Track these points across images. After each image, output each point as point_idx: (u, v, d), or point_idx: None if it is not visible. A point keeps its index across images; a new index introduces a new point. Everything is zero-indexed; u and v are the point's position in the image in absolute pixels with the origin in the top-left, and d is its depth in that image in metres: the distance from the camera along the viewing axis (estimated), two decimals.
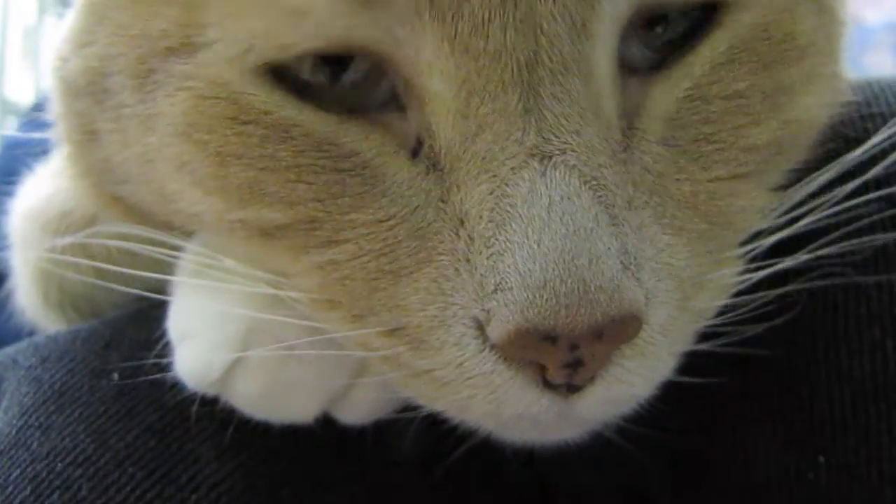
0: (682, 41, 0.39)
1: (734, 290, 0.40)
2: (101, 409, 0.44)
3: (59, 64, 0.45)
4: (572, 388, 0.36)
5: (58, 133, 0.48)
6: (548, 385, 0.36)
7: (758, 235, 0.41)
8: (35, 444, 0.43)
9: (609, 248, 0.34)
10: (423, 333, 0.37)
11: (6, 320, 0.58)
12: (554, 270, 0.34)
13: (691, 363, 0.40)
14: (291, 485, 0.44)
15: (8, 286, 0.58)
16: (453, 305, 0.36)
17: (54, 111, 0.47)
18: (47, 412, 0.45)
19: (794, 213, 0.41)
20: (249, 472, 0.43)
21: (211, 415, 0.43)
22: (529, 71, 0.35)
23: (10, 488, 0.42)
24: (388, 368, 0.39)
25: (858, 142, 0.44)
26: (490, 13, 0.35)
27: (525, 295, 0.34)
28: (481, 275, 0.35)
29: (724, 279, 0.40)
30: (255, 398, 0.42)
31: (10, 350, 0.50)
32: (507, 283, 0.34)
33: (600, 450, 0.42)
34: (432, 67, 0.36)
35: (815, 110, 0.43)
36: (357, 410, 0.44)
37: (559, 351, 0.34)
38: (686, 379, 0.40)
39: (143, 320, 0.47)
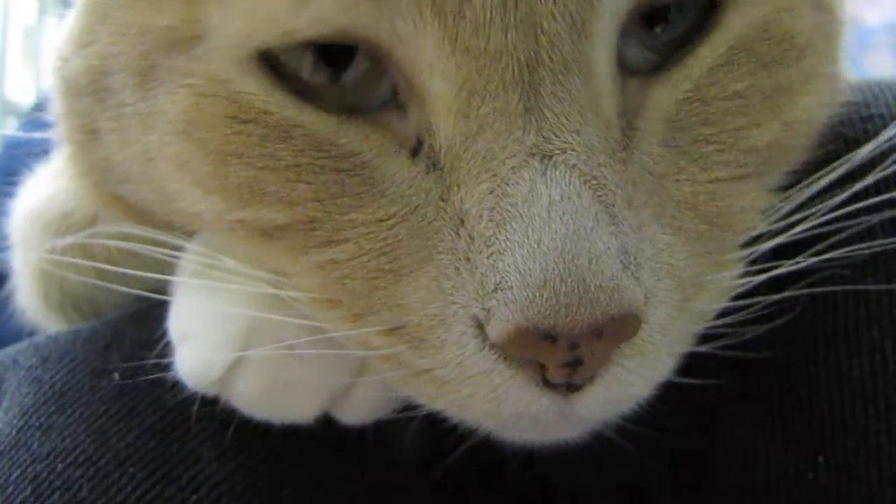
0: (682, 42, 0.39)
1: (734, 292, 0.40)
2: (101, 409, 0.44)
3: (60, 64, 0.45)
4: (572, 388, 0.36)
5: (59, 133, 0.48)
6: (547, 384, 0.36)
7: (758, 239, 0.41)
8: (35, 445, 0.43)
9: (609, 248, 0.34)
10: (424, 332, 0.37)
11: (7, 321, 0.58)
12: (554, 269, 0.34)
13: (691, 363, 0.40)
14: (292, 485, 0.44)
15: (8, 287, 0.58)
16: (453, 304, 0.36)
17: (55, 111, 0.48)
18: (48, 412, 0.45)
19: (794, 217, 0.41)
20: (250, 472, 0.43)
21: (211, 415, 0.43)
22: (530, 70, 0.35)
23: (10, 489, 0.42)
24: (388, 367, 0.39)
25: (858, 143, 0.44)
26: (491, 13, 0.35)
27: (525, 294, 0.34)
28: (481, 274, 0.35)
29: (724, 281, 0.40)
30: (255, 398, 0.42)
31: (10, 350, 0.50)
32: (507, 282, 0.34)
33: (600, 449, 0.43)
34: (433, 67, 0.36)
35: (814, 110, 0.43)
36: (357, 410, 0.44)
37: (559, 350, 0.34)
38: (686, 380, 0.40)
39: (144, 320, 0.47)
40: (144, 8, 0.40)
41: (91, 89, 0.43)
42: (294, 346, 0.40)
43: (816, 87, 0.42)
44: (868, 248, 0.42)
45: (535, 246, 0.34)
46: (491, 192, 0.35)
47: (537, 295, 0.34)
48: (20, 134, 0.65)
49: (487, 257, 0.35)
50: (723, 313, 0.41)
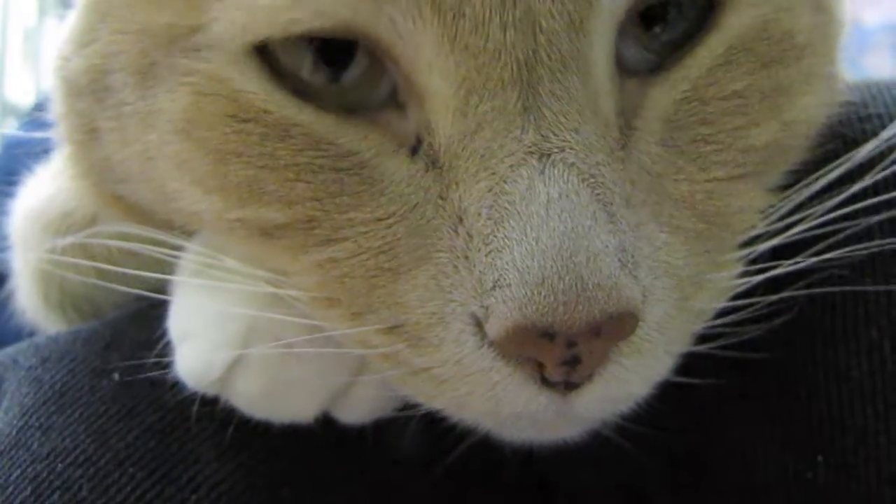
0: (681, 42, 0.39)
1: (733, 292, 0.41)
2: (101, 409, 0.44)
3: (60, 63, 0.45)
4: (570, 386, 0.36)
5: (59, 133, 0.48)
6: (546, 383, 0.36)
7: (757, 239, 0.41)
8: (35, 445, 0.43)
9: (607, 246, 0.34)
10: (422, 330, 0.37)
11: (7, 321, 0.58)
12: (552, 267, 0.34)
13: (690, 363, 0.40)
14: (292, 484, 0.44)
15: (8, 287, 0.58)
16: (452, 302, 0.36)
17: (55, 111, 0.48)
18: (48, 412, 0.45)
19: (792, 218, 0.41)
20: (250, 471, 0.44)
21: (211, 414, 0.43)
22: (529, 69, 0.36)
23: (10, 489, 0.42)
24: (386, 366, 0.39)
25: (856, 142, 0.44)
26: (490, 12, 0.35)
27: (523, 292, 0.34)
28: (480, 272, 0.35)
29: (722, 281, 0.40)
30: (255, 397, 0.42)
31: (10, 350, 0.50)
32: (505, 279, 0.34)
33: (599, 449, 0.43)
34: (432, 65, 0.36)
35: (813, 110, 0.43)
36: (357, 410, 0.44)
37: (557, 348, 0.34)
38: (685, 380, 0.40)
39: (144, 320, 0.47)
40: (146, 5, 0.40)
41: (91, 88, 0.43)
42: (293, 345, 0.40)
43: (815, 87, 0.43)
44: (866, 248, 0.42)
45: (534, 244, 0.34)
46: (489, 190, 0.35)
47: (535, 292, 0.34)
48: (20, 134, 0.65)
49: (486, 255, 0.35)
50: (721, 313, 0.41)
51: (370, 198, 0.38)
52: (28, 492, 0.42)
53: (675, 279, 0.37)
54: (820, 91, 0.43)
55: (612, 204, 0.35)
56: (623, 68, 0.38)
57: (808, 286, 0.42)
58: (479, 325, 0.36)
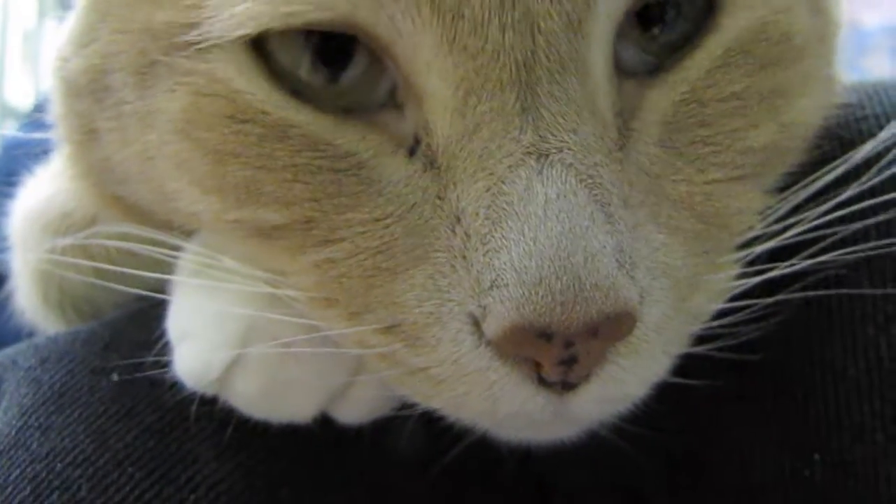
0: (679, 44, 0.40)
1: (730, 293, 0.41)
2: (100, 409, 0.44)
3: (60, 64, 0.45)
4: (567, 386, 0.36)
5: (58, 134, 0.48)
6: (543, 383, 0.36)
7: (754, 241, 0.41)
8: (34, 445, 0.43)
9: (604, 246, 0.34)
10: (419, 330, 0.37)
11: (6, 321, 0.58)
12: (549, 267, 0.34)
13: (688, 364, 0.40)
14: (290, 484, 0.44)
15: (8, 287, 0.58)
16: (449, 302, 0.36)
17: (55, 112, 0.48)
18: (47, 413, 0.45)
19: (790, 220, 0.41)
20: (248, 471, 0.44)
21: (210, 414, 0.44)
22: (527, 70, 0.36)
23: (9, 489, 0.42)
24: (384, 366, 0.39)
25: (853, 143, 0.44)
26: (489, 13, 0.35)
27: (521, 291, 0.34)
28: (477, 271, 0.35)
29: (720, 282, 0.40)
30: (254, 397, 0.42)
31: (9, 351, 0.50)
32: (502, 279, 0.34)
33: (597, 449, 0.43)
34: (431, 66, 0.36)
35: (810, 112, 0.43)
36: (355, 410, 0.44)
37: (554, 348, 0.34)
38: (682, 381, 0.40)
39: (143, 320, 0.47)
40: (145, 4, 0.40)
41: (91, 88, 0.43)
42: (292, 345, 0.40)
43: (813, 88, 0.43)
44: (863, 250, 0.42)
45: (531, 244, 0.34)
46: (487, 191, 0.36)
47: (533, 292, 0.34)
48: (20, 135, 0.65)
49: (483, 255, 0.35)
50: (719, 314, 0.41)
51: (368, 198, 0.38)
52: (27, 492, 0.42)
53: (672, 280, 0.37)
54: (818, 93, 0.43)
55: (609, 204, 0.35)
56: (621, 70, 0.38)
57: (804, 288, 0.42)
58: (476, 324, 0.36)
